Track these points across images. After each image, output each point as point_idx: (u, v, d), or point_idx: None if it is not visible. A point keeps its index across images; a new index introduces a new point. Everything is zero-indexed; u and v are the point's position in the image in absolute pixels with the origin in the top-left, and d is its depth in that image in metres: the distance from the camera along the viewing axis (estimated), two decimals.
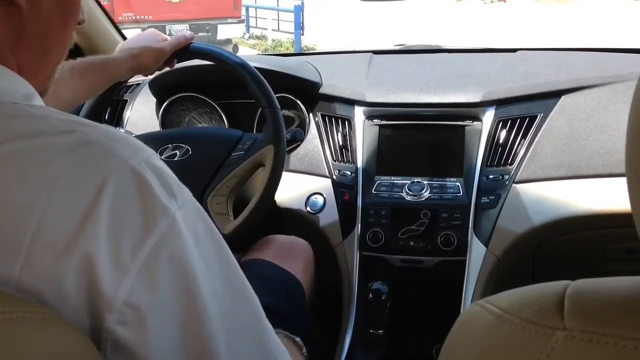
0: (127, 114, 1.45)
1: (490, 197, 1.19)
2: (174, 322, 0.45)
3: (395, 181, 1.24)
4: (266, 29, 10.55)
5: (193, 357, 0.46)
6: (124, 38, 1.51)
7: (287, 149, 1.16)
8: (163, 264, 0.43)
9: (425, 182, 1.22)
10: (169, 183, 0.46)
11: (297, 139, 1.25)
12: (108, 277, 0.41)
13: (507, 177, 1.20)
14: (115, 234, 0.42)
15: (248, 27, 11.00)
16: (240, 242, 1.09)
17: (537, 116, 1.23)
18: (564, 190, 1.17)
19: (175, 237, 0.44)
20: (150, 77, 1.30)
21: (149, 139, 1.14)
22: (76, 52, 1.09)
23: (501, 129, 1.23)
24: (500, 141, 1.22)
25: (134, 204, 0.43)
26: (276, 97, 1.06)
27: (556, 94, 1.26)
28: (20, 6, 0.48)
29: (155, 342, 0.44)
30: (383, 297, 1.10)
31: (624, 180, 0.34)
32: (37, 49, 0.52)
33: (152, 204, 0.44)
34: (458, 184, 1.22)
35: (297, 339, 0.86)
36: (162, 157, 1.09)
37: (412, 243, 1.19)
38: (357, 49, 1.69)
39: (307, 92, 1.37)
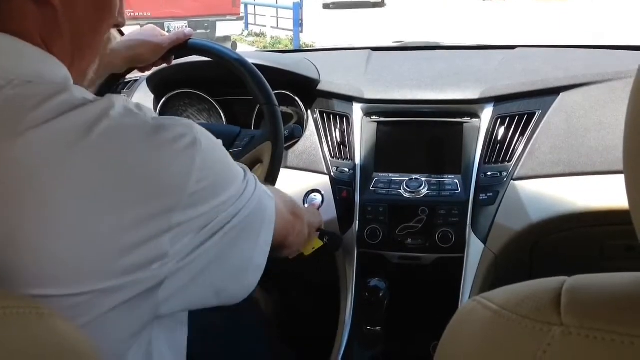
0: None
1: (489, 194, 1.18)
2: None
3: (393, 178, 1.24)
4: (265, 26, 10.54)
5: None
6: (122, 34, 1.51)
7: (285, 145, 1.16)
8: None
9: (423, 179, 1.22)
10: None
11: (295, 136, 1.25)
12: None
13: (505, 174, 1.20)
14: None
15: (247, 25, 10.99)
16: None
17: (535, 113, 1.23)
18: (562, 187, 1.17)
19: None
20: (148, 73, 1.30)
21: None
22: None
23: (499, 126, 1.23)
24: (499, 138, 1.22)
25: None
26: (274, 93, 1.05)
27: (555, 91, 1.26)
28: (55, 6, 0.51)
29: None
30: (381, 294, 1.10)
31: (622, 177, 0.34)
32: (69, 48, 0.54)
33: None
34: (456, 180, 1.22)
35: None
36: None
37: (410, 240, 1.19)
38: (355, 46, 1.68)
39: (306, 88, 1.36)
